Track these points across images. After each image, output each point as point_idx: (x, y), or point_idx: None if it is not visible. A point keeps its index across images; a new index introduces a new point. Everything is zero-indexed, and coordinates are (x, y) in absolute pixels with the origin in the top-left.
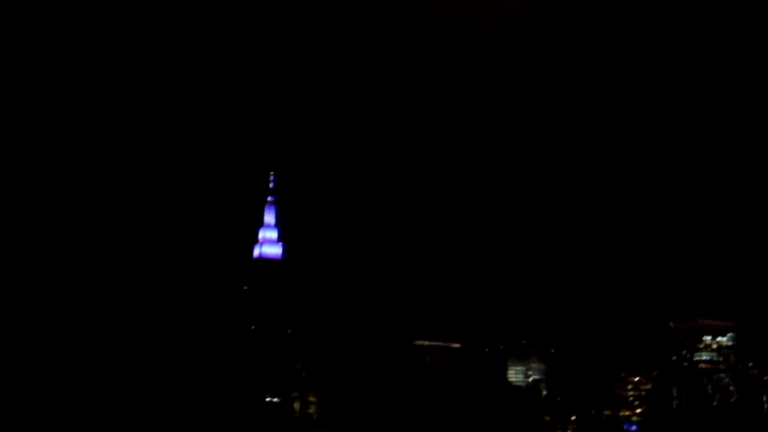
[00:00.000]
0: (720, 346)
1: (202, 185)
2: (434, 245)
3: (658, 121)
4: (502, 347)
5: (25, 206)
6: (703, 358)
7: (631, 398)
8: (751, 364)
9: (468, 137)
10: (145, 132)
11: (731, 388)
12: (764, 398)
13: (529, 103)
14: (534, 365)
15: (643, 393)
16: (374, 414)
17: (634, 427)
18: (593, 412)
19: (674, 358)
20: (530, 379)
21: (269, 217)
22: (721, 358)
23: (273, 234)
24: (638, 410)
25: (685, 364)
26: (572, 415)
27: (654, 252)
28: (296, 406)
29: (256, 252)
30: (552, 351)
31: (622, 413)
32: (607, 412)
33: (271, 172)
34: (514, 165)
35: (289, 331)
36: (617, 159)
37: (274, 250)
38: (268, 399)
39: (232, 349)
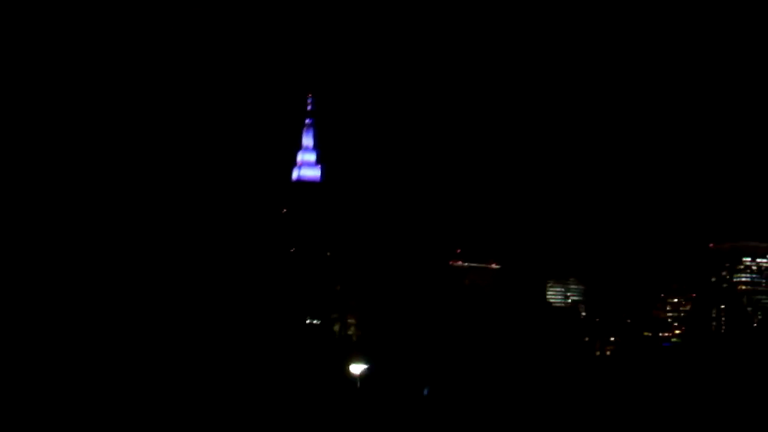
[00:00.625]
0: (760, 267)
1: (240, 108)
2: (475, 167)
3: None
4: (541, 269)
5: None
6: (743, 279)
7: (671, 319)
8: None
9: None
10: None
11: None
12: None
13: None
14: (573, 286)
15: (683, 314)
16: (413, 336)
17: (671, 345)
18: (632, 333)
19: (714, 279)
20: (569, 300)
21: (308, 140)
22: (761, 279)
23: (311, 156)
24: (677, 331)
25: (725, 285)
26: (611, 336)
27: (693, 173)
28: (336, 328)
29: (294, 175)
30: (592, 272)
31: (661, 334)
32: (646, 334)
33: (309, 94)
34: (551, 88)
35: (329, 253)
36: (655, 79)
37: (313, 173)
38: (308, 321)
39: (272, 273)
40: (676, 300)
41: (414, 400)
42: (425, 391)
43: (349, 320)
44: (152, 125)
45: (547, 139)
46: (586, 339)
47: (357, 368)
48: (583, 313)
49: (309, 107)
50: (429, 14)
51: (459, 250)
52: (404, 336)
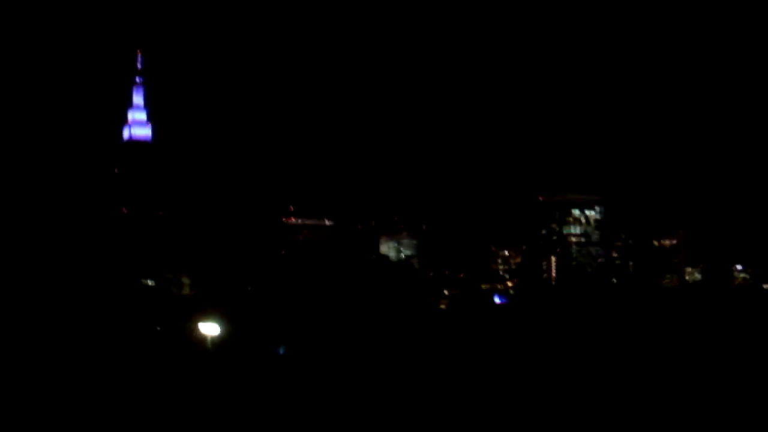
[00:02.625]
0: (588, 219)
1: (66, 64)
2: (305, 122)
3: None
4: (374, 224)
5: None
6: (572, 231)
7: (502, 272)
8: (617, 235)
9: None
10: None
11: (600, 259)
12: (630, 268)
13: None
14: (405, 241)
15: (514, 267)
16: (249, 291)
17: (505, 300)
18: (465, 285)
19: (544, 231)
20: (403, 255)
21: (138, 98)
22: (590, 231)
23: (142, 115)
24: (509, 283)
25: (555, 237)
26: (445, 289)
27: (522, 127)
28: (171, 287)
29: (125, 134)
30: (423, 227)
31: (493, 286)
32: (484, 286)
33: (138, 51)
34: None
35: (161, 213)
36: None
37: (144, 132)
38: (142, 281)
39: (103, 233)
40: (507, 253)
41: (269, 359)
42: (281, 350)
43: (183, 279)
44: None
45: (373, 89)
46: (421, 293)
47: (206, 328)
48: (417, 267)
49: (139, 65)
50: None
51: (292, 208)
52: (239, 293)
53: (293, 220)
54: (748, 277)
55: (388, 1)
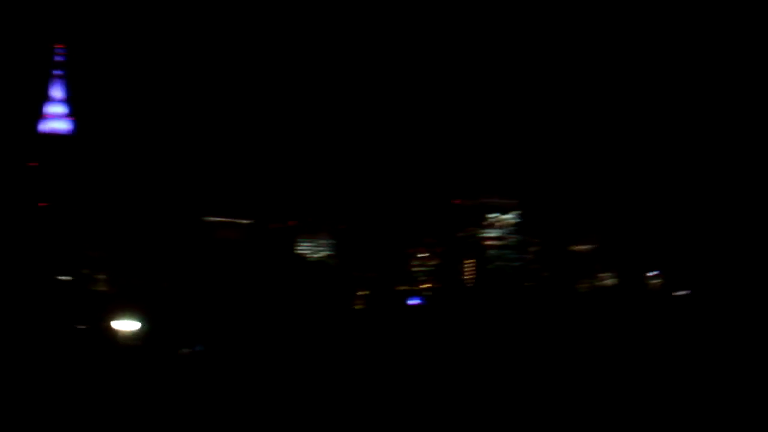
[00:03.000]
0: (504, 223)
1: None
2: (223, 119)
3: None
4: (291, 223)
5: None
6: (489, 234)
7: (418, 274)
8: (532, 240)
9: None
10: None
11: (515, 263)
12: (544, 271)
13: None
14: (323, 241)
15: (430, 269)
16: (166, 288)
17: (418, 301)
18: (381, 287)
19: (460, 234)
20: (319, 255)
21: (57, 92)
22: (506, 235)
23: (61, 109)
24: (424, 285)
25: (471, 241)
26: (361, 290)
27: (439, 129)
28: (88, 284)
29: (43, 127)
30: (341, 227)
31: (408, 288)
32: (399, 288)
33: (59, 44)
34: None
35: (79, 207)
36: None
37: (63, 126)
38: (59, 278)
39: (20, 229)
40: (423, 254)
41: (185, 357)
42: (197, 348)
43: (101, 276)
44: None
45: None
46: (337, 293)
47: (122, 325)
48: (334, 268)
49: (58, 58)
50: None
51: (210, 205)
52: (157, 289)
53: (210, 218)
54: (662, 282)
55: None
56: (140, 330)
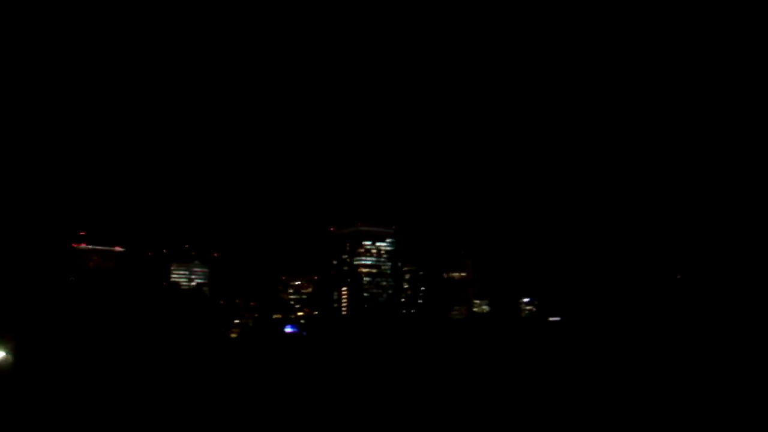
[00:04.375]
0: (380, 250)
1: None
2: (96, 145)
3: None
4: (165, 251)
5: None
6: (363, 261)
7: (293, 301)
8: (407, 267)
9: None
10: None
11: (390, 291)
12: (419, 298)
13: None
14: (197, 269)
15: (305, 296)
16: (36, 317)
17: (295, 329)
18: (256, 315)
19: (335, 262)
20: (194, 283)
21: None
22: (380, 262)
23: None
24: (300, 313)
25: (346, 267)
26: (235, 319)
27: (314, 155)
28: None
29: None
30: (215, 255)
31: (284, 316)
32: (275, 316)
33: None
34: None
35: None
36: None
37: None
38: None
39: None
40: (298, 282)
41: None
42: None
43: None
44: None
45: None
46: (214, 322)
47: None
48: (208, 296)
49: None
50: None
51: (82, 233)
52: (32, 319)
53: (83, 245)
54: (534, 309)
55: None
56: (9, 357)
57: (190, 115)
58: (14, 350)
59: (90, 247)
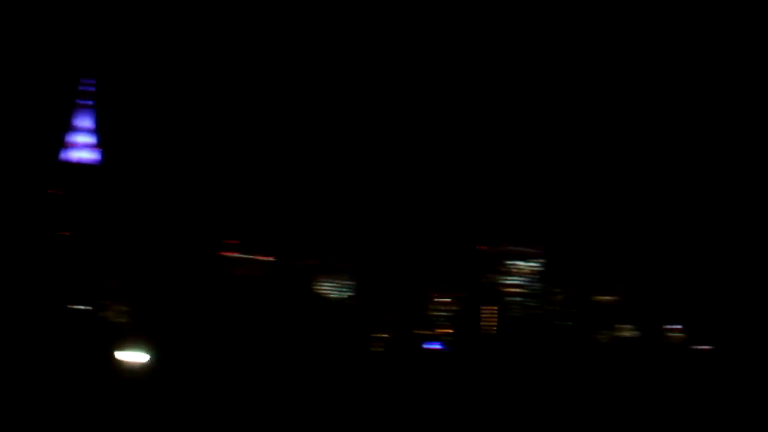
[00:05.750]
0: (527, 271)
1: (14, 89)
2: (248, 157)
3: None
4: (312, 262)
5: None
6: (509, 281)
7: (439, 319)
8: (555, 289)
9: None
10: None
11: (536, 311)
12: (566, 320)
13: None
14: (344, 281)
15: (451, 314)
16: (186, 324)
17: (437, 345)
18: (401, 330)
19: (483, 281)
20: (340, 295)
21: (84, 122)
22: (527, 283)
23: (88, 138)
24: (445, 330)
25: (493, 287)
26: (381, 333)
27: (466, 174)
28: (107, 315)
29: (69, 156)
30: (362, 268)
31: (428, 332)
32: (417, 332)
33: (86, 76)
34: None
35: (101, 238)
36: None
37: (89, 155)
38: (77, 308)
39: (43, 256)
40: (444, 299)
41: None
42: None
43: (121, 308)
44: None
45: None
46: (358, 335)
47: (134, 356)
48: (354, 309)
49: (87, 88)
50: None
51: (231, 242)
52: (177, 324)
53: (232, 253)
54: (682, 336)
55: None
56: (150, 362)
57: (342, 132)
58: (158, 354)
59: (239, 255)
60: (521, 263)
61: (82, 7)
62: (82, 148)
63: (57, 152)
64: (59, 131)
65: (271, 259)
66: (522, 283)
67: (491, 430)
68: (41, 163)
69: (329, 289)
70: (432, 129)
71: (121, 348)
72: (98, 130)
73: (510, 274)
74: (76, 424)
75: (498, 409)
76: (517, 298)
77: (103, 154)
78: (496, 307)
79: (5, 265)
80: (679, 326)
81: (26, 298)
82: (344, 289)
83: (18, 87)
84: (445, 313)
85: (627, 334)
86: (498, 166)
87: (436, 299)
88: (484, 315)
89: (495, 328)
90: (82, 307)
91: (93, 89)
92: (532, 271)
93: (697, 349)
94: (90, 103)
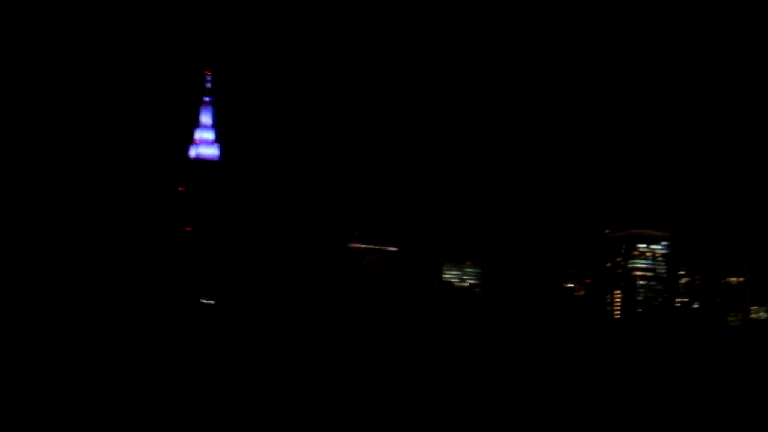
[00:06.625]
0: (654, 254)
1: (136, 86)
2: (374, 148)
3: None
4: (437, 251)
5: None
6: (638, 264)
7: (566, 304)
8: (683, 271)
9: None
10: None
11: (664, 295)
12: (694, 304)
13: None
14: (469, 270)
15: (579, 299)
16: (311, 314)
17: (568, 329)
18: (527, 316)
19: (609, 264)
20: (466, 283)
21: (206, 118)
22: (655, 265)
23: (209, 135)
24: (573, 315)
25: (620, 271)
26: (509, 319)
27: (592, 160)
28: (232, 307)
29: (192, 153)
30: (487, 256)
31: (556, 318)
32: (547, 318)
33: (207, 72)
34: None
35: (225, 232)
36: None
37: (211, 151)
38: (203, 301)
39: (168, 250)
40: (571, 285)
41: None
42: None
43: (246, 299)
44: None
45: (442, 123)
46: (483, 321)
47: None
48: (479, 296)
49: (207, 85)
50: None
51: (357, 232)
52: (302, 314)
53: (357, 244)
54: None
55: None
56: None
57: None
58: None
59: (364, 246)
60: (648, 246)
61: (202, 7)
62: (205, 143)
63: (184, 149)
64: (185, 129)
65: (395, 249)
66: (649, 266)
67: (625, 413)
68: (170, 160)
69: (454, 277)
70: (551, 118)
71: (247, 338)
72: (219, 126)
73: (637, 257)
74: (212, 411)
75: (631, 394)
76: (645, 282)
77: (225, 150)
78: (623, 292)
79: (139, 260)
80: None
81: (158, 292)
82: (469, 277)
83: (146, 87)
84: (573, 299)
85: (758, 315)
86: (624, 150)
87: (564, 285)
88: (611, 299)
89: (623, 312)
90: (208, 301)
91: (212, 85)
92: (660, 254)
93: None
94: (210, 99)
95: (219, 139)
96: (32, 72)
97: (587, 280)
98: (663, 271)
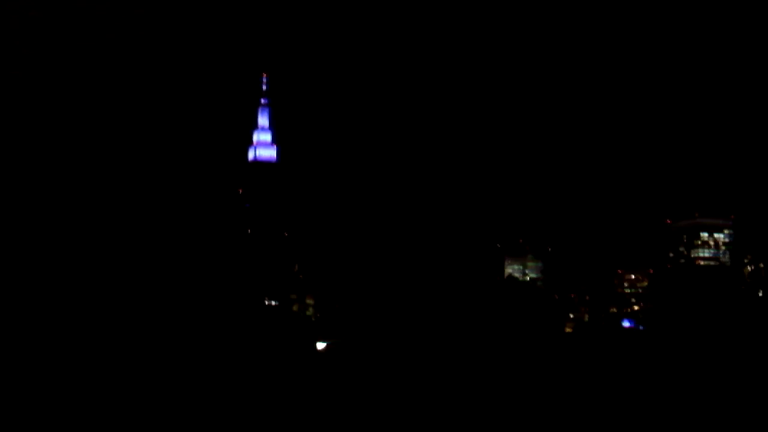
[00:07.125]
0: (717, 242)
1: (194, 90)
2: (430, 145)
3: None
4: (499, 246)
5: None
6: (701, 254)
7: (629, 295)
8: (747, 260)
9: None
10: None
11: (729, 284)
12: (760, 294)
13: None
14: (531, 264)
15: (640, 290)
16: (372, 315)
17: (632, 323)
18: (591, 309)
19: (671, 255)
20: (527, 278)
21: (263, 120)
22: (719, 254)
23: (267, 136)
24: (636, 307)
25: (683, 261)
26: (570, 313)
27: (652, 149)
28: (295, 308)
29: (250, 155)
30: (549, 249)
31: (619, 310)
32: (611, 310)
33: (264, 74)
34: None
35: (286, 234)
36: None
37: (269, 153)
38: (266, 302)
39: (228, 254)
40: (633, 276)
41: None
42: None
43: (308, 301)
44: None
45: (497, 118)
46: (545, 317)
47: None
48: (542, 290)
49: (264, 87)
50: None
51: (414, 231)
52: (363, 315)
53: (416, 243)
54: None
55: None
56: (346, 353)
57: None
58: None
59: (423, 244)
60: (711, 235)
61: (258, 9)
62: (263, 145)
63: (242, 151)
64: (243, 130)
65: (457, 243)
66: (712, 254)
67: (690, 407)
68: (229, 162)
69: (516, 271)
70: (609, 111)
71: (311, 339)
72: (277, 128)
73: (700, 246)
74: (277, 411)
75: (697, 385)
76: (711, 271)
77: (283, 151)
78: (687, 282)
79: (200, 263)
80: None
81: (219, 294)
82: (531, 272)
83: (204, 90)
84: (635, 290)
85: None
86: (685, 139)
87: (625, 276)
88: (675, 290)
89: (687, 303)
90: (271, 303)
91: (269, 87)
92: (723, 242)
93: None
94: (267, 101)
95: (276, 141)
96: (85, 75)
97: (650, 270)
98: (727, 259)
